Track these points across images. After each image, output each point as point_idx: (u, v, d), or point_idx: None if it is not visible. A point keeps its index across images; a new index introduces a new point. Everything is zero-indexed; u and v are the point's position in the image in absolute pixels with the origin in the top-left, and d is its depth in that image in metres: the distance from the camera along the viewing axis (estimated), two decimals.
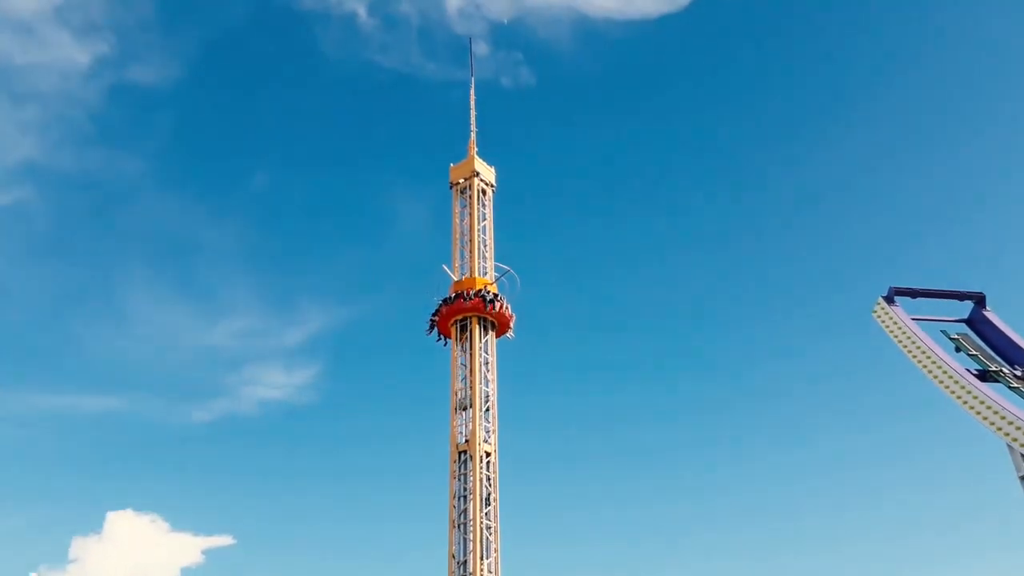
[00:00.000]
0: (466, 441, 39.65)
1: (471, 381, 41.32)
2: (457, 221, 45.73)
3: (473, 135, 48.32)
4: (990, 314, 32.71)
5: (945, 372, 28.37)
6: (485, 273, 43.87)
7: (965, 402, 26.92)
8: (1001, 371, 29.08)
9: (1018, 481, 24.61)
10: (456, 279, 43.99)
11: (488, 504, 38.07)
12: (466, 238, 45.04)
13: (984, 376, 28.50)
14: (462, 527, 37.55)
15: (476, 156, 48.08)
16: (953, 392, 27.65)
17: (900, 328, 31.60)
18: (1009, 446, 24.68)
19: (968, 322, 33.23)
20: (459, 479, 38.99)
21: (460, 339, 42.65)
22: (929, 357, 29.49)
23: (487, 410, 40.60)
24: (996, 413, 25.32)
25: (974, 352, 30.83)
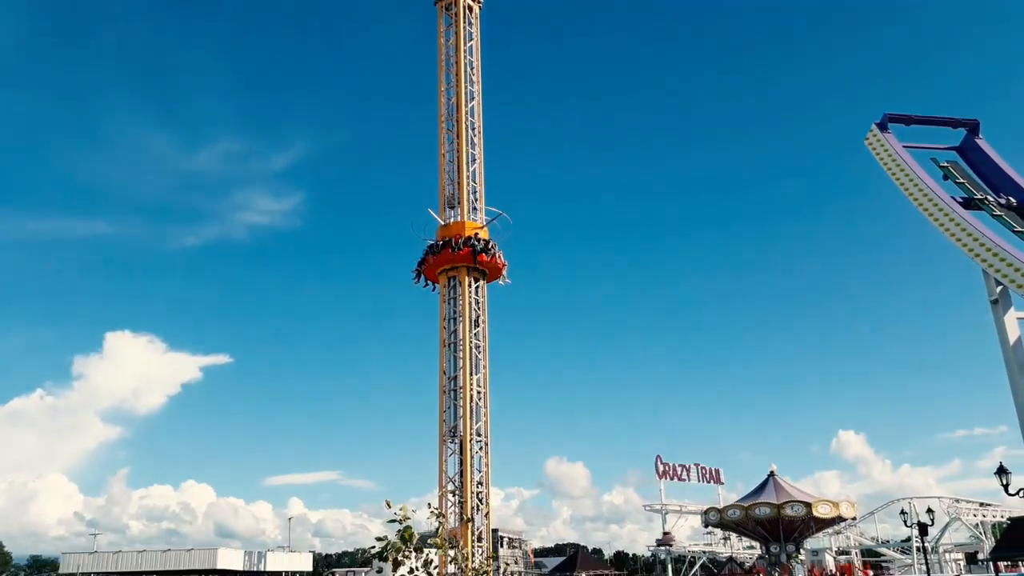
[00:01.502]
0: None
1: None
2: (442, 41, 43.59)
3: None
4: (981, 142, 32.56)
5: (930, 199, 28.69)
6: (472, 98, 42.36)
7: (946, 229, 27.46)
8: (986, 199, 29.39)
9: (989, 305, 25.62)
10: (443, 223, 40.18)
11: (477, 325, 39.32)
12: (452, 60, 43.11)
13: (969, 204, 28.85)
14: (452, 346, 39.00)
15: None
16: (935, 219, 28.12)
17: (890, 155, 31.54)
18: (984, 272, 25.49)
19: (959, 150, 33.14)
20: (448, 302, 40.01)
21: (449, 285, 40.05)
22: (916, 184, 29.68)
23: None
24: (975, 240, 25.91)
25: (962, 180, 30.99)
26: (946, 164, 31.95)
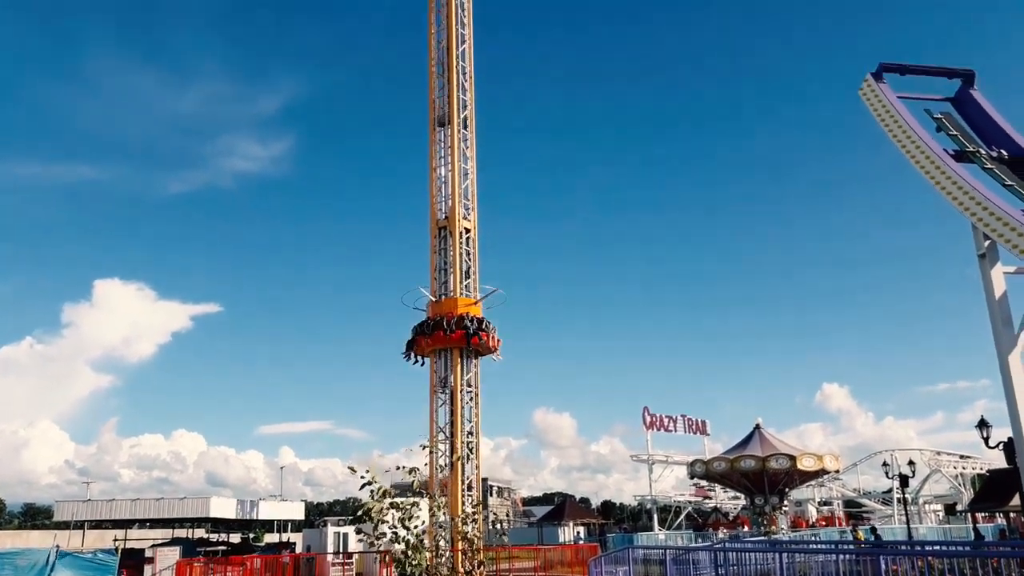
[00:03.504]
0: (446, 217, 39.95)
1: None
2: None
3: None
4: (976, 93, 32.27)
5: (920, 150, 28.52)
6: (463, 41, 41.47)
7: (937, 181, 27.35)
8: (978, 152, 29.22)
9: (976, 259, 25.66)
10: (434, 300, 38.60)
11: (468, 278, 39.22)
12: (442, 1, 42.18)
13: (960, 156, 28.68)
14: (442, 298, 38.94)
15: None
16: (927, 171, 27.98)
17: (883, 106, 31.24)
18: (973, 225, 25.46)
19: (954, 101, 32.85)
20: (439, 253, 39.82)
21: (439, 358, 38.49)
22: (907, 135, 29.48)
23: (466, 187, 40.53)
24: (965, 192, 25.83)
25: (954, 132, 30.76)
26: (940, 115, 31.67)
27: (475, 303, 38.49)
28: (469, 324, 37.17)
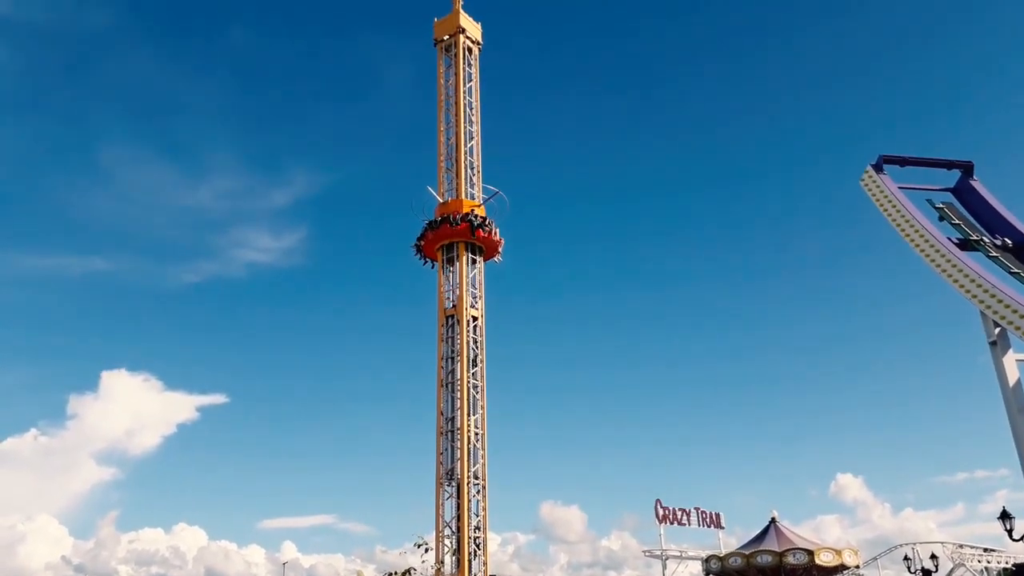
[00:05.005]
0: (453, 306, 40.13)
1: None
2: (442, 82, 44.17)
3: None
4: (976, 183, 32.81)
5: (926, 240, 28.78)
6: (471, 138, 42.81)
7: (943, 270, 27.48)
8: (982, 240, 29.48)
9: (987, 347, 25.51)
10: (441, 201, 41.21)
11: (475, 365, 39.08)
12: (451, 100, 43.63)
13: (965, 245, 28.94)
14: (450, 386, 38.70)
15: (461, 10, 45.75)
16: (932, 260, 28.16)
17: (886, 196, 31.75)
18: (982, 313, 25.44)
19: (954, 191, 33.38)
20: (447, 342, 39.82)
21: (446, 262, 40.52)
22: (912, 225, 29.80)
23: (473, 276, 40.92)
24: (972, 281, 25.92)
25: (957, 221, 31.13)
26: (942, 205, 32.13)
27: (479, 204, 41.00)
28: (473, 219, 39.81)
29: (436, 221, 40.11)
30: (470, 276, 40.12)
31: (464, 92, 43.52)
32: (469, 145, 42.96)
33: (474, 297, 40.40)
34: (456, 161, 42.30)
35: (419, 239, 40.87)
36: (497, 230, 40.85)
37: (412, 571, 14.04)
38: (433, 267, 41.15)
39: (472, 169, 42.49)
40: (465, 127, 42.89)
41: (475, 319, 40.01)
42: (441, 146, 43.19)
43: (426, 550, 35.03)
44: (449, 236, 39.67)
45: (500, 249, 41.22)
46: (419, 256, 41.30)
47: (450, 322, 39.82)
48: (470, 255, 40.20)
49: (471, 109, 43.64)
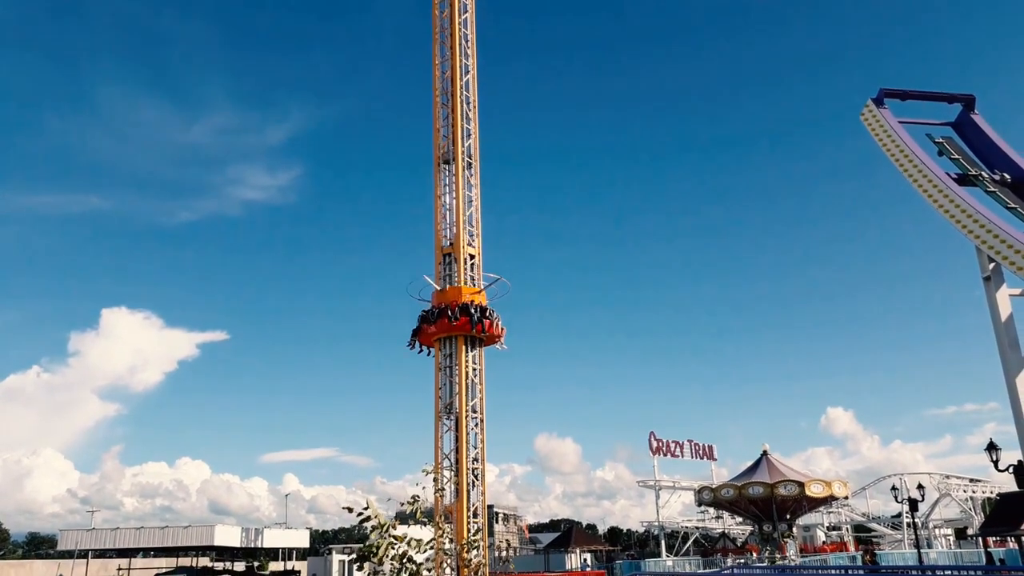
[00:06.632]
0: (450, 244, 40.11)
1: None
2: (436, 12, 43.17)
3: None
4: (977, 118, 32.51)
5: (924, 175, 28.67)
6: (467, 72, 41.99)
7: (940, 205, 27.46)
8: (980, 175, 29.39)
9: (981, 281, 25.69)
10: (438, 288, 38.75)
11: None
12: (446, 32, 42.71)
13: (963, 180, 28.85)
14: (447, 287, 38.88)
15: None
16: (930, 195, 28.12)
17: (885, 131, 31.48)
18: (977, 248, 25.53)
19: (954, 125, 33.08)
20: (444, 280, 39.92)
21: (444, 351, 38.54)
22: (910, 160, 29.65)
23: (470, 214, 40.75)
24: (969, 216, 25.93)
25: (956, 156, 30.96)
26: (941, 140, 31.90)
27: (479, 292, 38.56)
28: (474, 311, 37.17)
29: (433, 313, 37.84)
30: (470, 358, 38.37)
31: (459, 24, 42.58)
32: (465, 79, 42.21)
33: (471, 236, 40.29)
34: (452, 103, 41.56)
35: (415, 333, 38.79)
36: (499, 319, 38.66)
37: (417, 498, 14.46)
38: (430, 354, 39.05)
39: (468, 104, 41.84)
40: (461, 60, 42.10)
41: (472, 257, 40.05)
42: (436, 80, 42.47)
43: (433, 478, 35.76)
44: (447, 331, 37.46)
45: (502, 339, 39.01)
46: (414, 347, 39.09)
47: (447, 259, 39.84)
48: (469, 348, 38.09)
49: (467, 42, 42.78)
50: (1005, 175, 29.46)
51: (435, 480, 35.54)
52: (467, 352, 38.03)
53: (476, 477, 37.20)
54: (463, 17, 43.00)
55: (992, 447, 30.53)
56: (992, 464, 30.47)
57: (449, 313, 37.20)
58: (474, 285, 38.97)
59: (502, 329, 38.93)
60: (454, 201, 40.22)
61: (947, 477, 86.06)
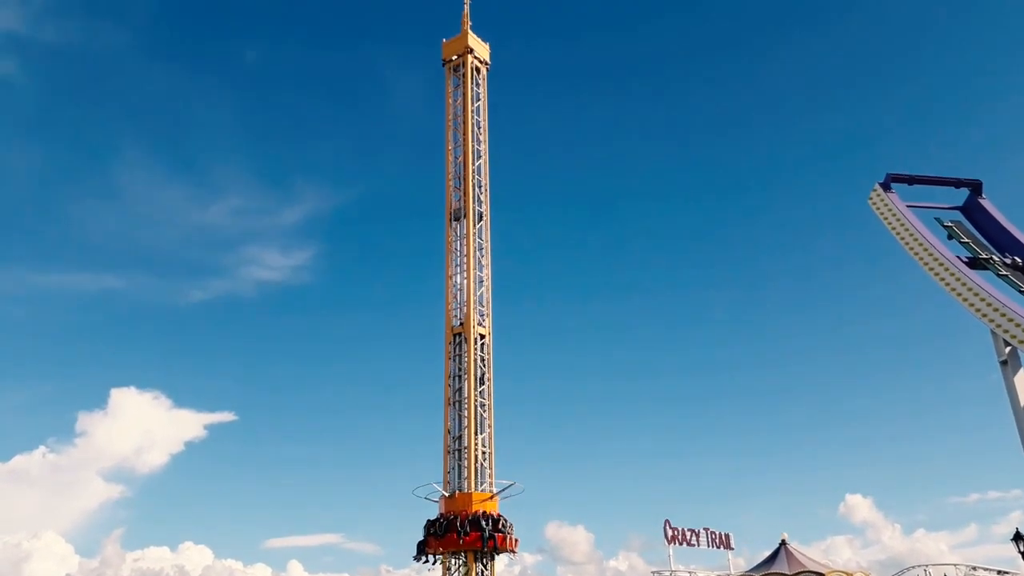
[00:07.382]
0: (461, 324, 40.12)
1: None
2: (450, 101, 44.51)
3: (467, 7, 46.18)
4: (985, 202, 32.72)
5: (935, 259, 28.65)
6: (479, 156, 42.97)
7: (953, 289, 27.35)
8: (991, 258, 29.36)
9: (998, 365, 25.32)
10: (447, 495, 35.79)
11: (482, 383, 39.00)
12: (459, 119, 43.93)
13: (974, 263, 28.81)
14: (457, 404, 38.59)
15: (470, 31, 46.20)
16: (942, 279, 28.03)
17: (894, 215, 31.67)
18: (992, 332, 25.28)
19: (963, 209, 33.28)
20: (454, 360, 39.78)
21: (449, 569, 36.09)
22: (920, 244, 29.70)
23: (480, 294, 40.93)
24: (983, 300, 25.76)
25: (966, 239, 31.01)
26: (950, 224, 32.02)
27: (490, 498, 35.65)
28: (485, 525, 34.37)
29: (441, 524, 34.85)
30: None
31: (472, 111, 43.80)
32: (477, 164, 43.13)
33: (481, 315, 40.33)
34: (464, 181, 42.38)
35: (421, 545, 35.95)
36: (512, 529, 35.84)
37: None
38: (435, 563, 36.06)
39: (480, 188, 42.68)
40: (473, 146, 43.12)
41: (482, 336, 39.99)
42: (449, 164, 43.40)
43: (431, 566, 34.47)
44: (455, 546, 34.50)
45: (516, 548, 36.45)
46: (420, 559, 36.20)
47: (457, 340, 39.80)
48: (480, 561, 35.63)
49: (479, 128, 43.91)
50: (1016, 258, 29.44)
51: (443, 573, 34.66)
52: (477, 566, 35.40)
53: (485, 566, 36.12)
54: (475, 105, 44.25)
55: (1019, 537, 29.46)
56: (1020, 555, 29.35)
57: (459, 527, 34.60)
58: (483, 364, 38.64)
59: (515, 540, 35.80)
60: (465, 280, 40.46)
61: (974, 568, 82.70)
